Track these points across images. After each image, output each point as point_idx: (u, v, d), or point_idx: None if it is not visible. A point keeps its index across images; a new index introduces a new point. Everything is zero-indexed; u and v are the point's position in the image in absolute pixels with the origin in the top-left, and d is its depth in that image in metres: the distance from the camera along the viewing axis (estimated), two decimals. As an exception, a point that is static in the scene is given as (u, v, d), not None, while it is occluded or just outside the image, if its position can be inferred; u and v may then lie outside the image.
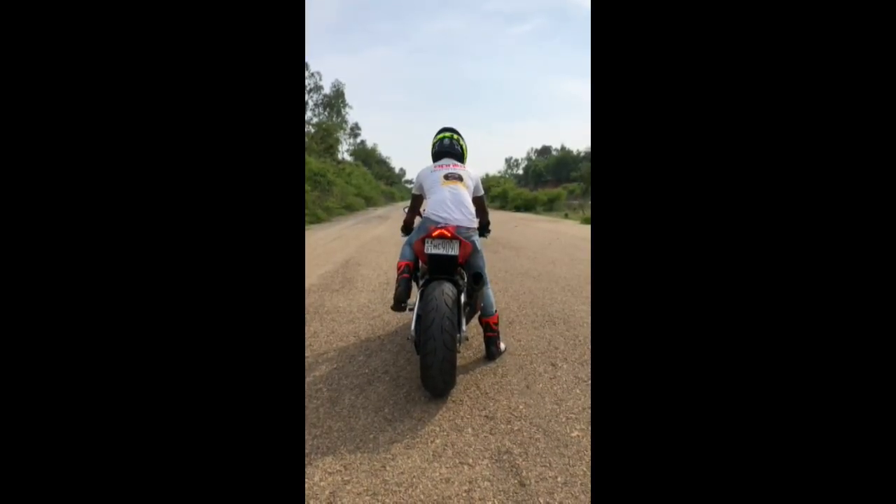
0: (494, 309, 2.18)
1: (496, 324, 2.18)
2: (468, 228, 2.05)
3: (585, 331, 2.68)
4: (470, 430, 1.60)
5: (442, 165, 2.19)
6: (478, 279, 1.96)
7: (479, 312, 2.17)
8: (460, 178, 2.13)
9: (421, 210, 2.33)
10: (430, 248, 1.94)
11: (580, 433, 1.57)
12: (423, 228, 2.06)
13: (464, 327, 1.90)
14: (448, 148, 2.27)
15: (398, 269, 2.11)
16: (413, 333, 1.82)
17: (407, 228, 2.46)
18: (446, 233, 1.92)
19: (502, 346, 2.29)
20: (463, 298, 1.93)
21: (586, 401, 1.81)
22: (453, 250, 1.93)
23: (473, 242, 2.05)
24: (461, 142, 2.32)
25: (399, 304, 2.02)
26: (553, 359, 2.26)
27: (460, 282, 1.99)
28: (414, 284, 2.11)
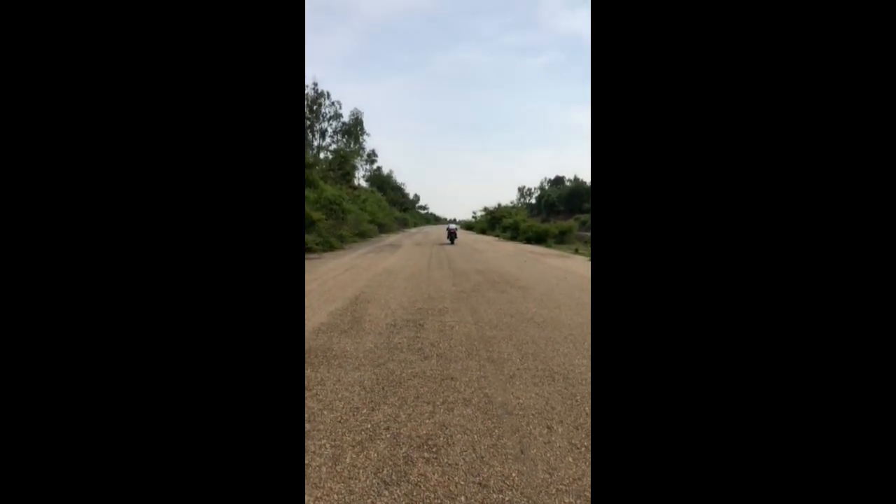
0: (455, 241, 18.88)
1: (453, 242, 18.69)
2: (456, 230, 18.87)
3: (583, 389, 2.74)
4: (463, 498, 1.68)
5: (450, 222, 21.66)
6: (453, 239, 18.63)
7: (455, 239, 19.06)
8: (455, 224, 21.00)
9: (446, 227, 20.88)
10: (449, 234, 18.77)
11: (568, 507, 1.64)
12: (448, 230, 18.99)
13: (451, 243, 18.11)
14: (452, 223, 21.38)
15: (447, 234, 19.07)
16: (449, 242, 18.55)
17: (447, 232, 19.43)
18: (453, 233, 18.79)
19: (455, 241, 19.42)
20: (451, 239, 18.70)
21: (576, 470, 1.87)
22: (454, 233, 18.74)
23: (456, 233, 18.79)
24: (456, 221, 24.31)
25: (450, 239, 18.92)
26: (549, 420, 2.33)
27: (454, 240, 18.73)
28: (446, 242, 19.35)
